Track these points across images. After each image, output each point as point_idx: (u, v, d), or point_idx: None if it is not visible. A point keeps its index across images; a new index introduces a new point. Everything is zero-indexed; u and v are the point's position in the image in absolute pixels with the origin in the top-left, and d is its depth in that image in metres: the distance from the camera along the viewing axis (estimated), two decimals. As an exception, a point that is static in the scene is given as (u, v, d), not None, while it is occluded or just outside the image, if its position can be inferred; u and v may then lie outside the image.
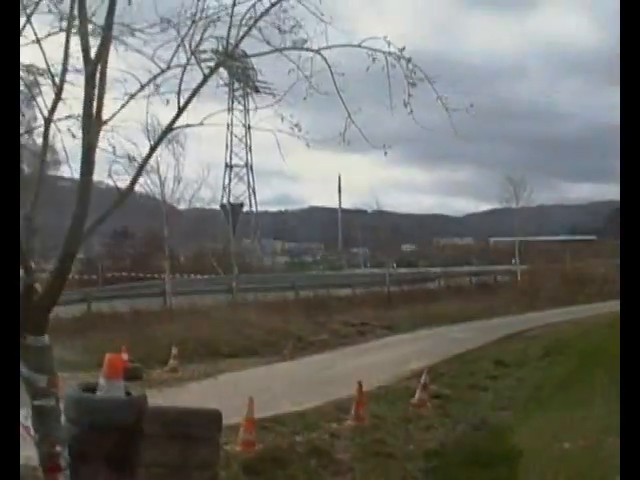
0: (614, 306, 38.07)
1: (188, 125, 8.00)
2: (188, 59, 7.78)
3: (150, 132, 8.48)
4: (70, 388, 7.38)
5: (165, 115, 8.14)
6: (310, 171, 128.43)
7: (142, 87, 7.66)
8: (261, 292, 32.86)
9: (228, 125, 70.87)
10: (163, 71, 7.76)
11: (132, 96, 7.58)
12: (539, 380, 15.80)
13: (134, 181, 7.57)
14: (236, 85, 17.13)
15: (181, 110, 7.61)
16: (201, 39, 7.89)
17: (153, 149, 7.72)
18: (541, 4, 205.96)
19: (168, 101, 7.74)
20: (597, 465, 9.04)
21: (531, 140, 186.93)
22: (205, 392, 14.45)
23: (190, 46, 7.85)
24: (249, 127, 72.28)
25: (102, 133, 7.35)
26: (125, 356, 16.17)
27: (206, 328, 21.81)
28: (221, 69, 8.95)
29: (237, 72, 10.66)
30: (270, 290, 34.17)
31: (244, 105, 71.05)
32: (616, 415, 11.40)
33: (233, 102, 71.85)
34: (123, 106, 7.46)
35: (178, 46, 7.80)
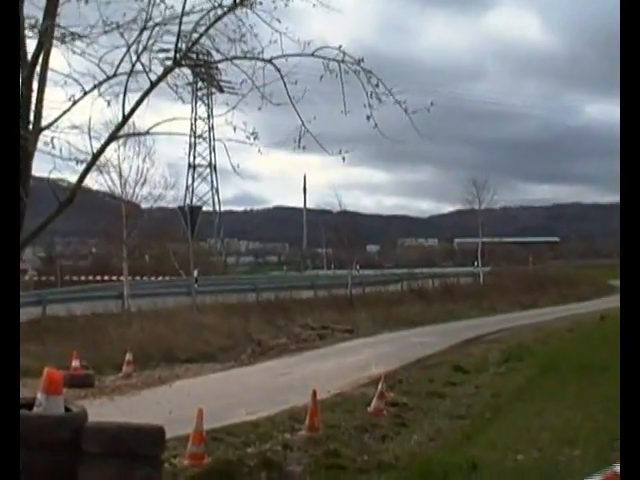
0: (575, 309, 38.75)
1: (134, 134, 7.80)
2: (133, 65, 7.56)
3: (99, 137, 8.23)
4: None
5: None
6: (269, 170, 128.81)
7: (85, 93, 7.42)
8: (222, 294, 32.57)
9: (191, 125, 70.26)
10: (109, 77, 7.53)
11: (75, 102, 7.34)
12: (497, 387, 15.69)
13: (75, 190, 7.32)
14: (200, 85, 16.91)
15: (126, 118, 7.39)
16: (149, 46, 7.67)
17: (96, 157, 7.46)
18: (495, 6, 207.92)
19: (109, 103, 7.52)
20: (548, 477, 8.97)
21: (489, 141, 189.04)
22: (158, 400, 14.16)
23: (137, 52, 7.63)
24: (212, 127, 71.84)
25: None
26: (76, 363, 15.90)
27: (163, 332, 21.52)
28: (183, 70, 8.75)
29: (200, 72, 10.45)
30: (231, 292, 33.90)
31: (208, 105, 70.77)
32: (572, 425, 11.40)
33: (197, 102, 71.56)
34: (65, 112, 7.22)
35: (126, 52, 7.58)
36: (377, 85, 8.32)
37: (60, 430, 6.83)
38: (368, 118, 8.47)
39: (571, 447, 10.20)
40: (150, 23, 7.58)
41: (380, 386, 13.40)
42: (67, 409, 7.23)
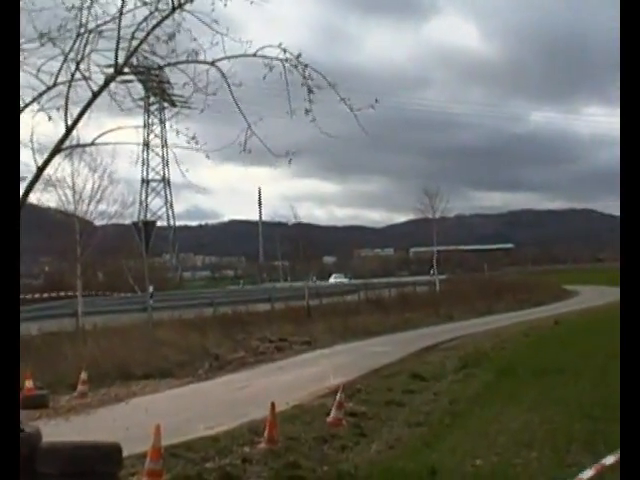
0: (530, 314, 39.18)
1: (78, 145, 7.71)
2: (72, 74, 7.44)
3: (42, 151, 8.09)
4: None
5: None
6: (220, 184, 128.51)
7: (26, 105, 7.30)
8: (179, 309, 32.36)
9: (144, 140, 69.47)
10: (49, 88, 7.43)
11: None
12: (455, 394, 15.75)
13: (21, 204, 7.20)
14: (152, 99, 16.80)
15: (70, 129, 7.28)
16: (87, 54, 7.56)
17: (41, 170, 7.35)
18: (434, 15, 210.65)
19: (50, 117, 7.41)
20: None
21: (439, 150, 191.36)
22: (115, 418, 13.99)
23: (77, 61, 7.53)
24: (166, 142, 71.35)
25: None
26: (30, 383, 15.63)
27: (119, 349, 21.25)
28: (136, 83, 8.68)
29: (152, 86, 10.39)
30: (188, 307, 33.70)
31: (160, 119, 70.46)
32: (529, 428, 11.49)
33: (149, 116, 71.15)
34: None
35: (63, 62, 7.46)
36: (311, 78, 8.33)
37: (13, 451, 6.71)
38: (307, 112, 8.50)
39: (528, 450, 10.28)
40: (85, 30, 7.48)
41: (338, 396, 13.38)
42: (20, 430, 7.10)
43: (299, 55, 8.33)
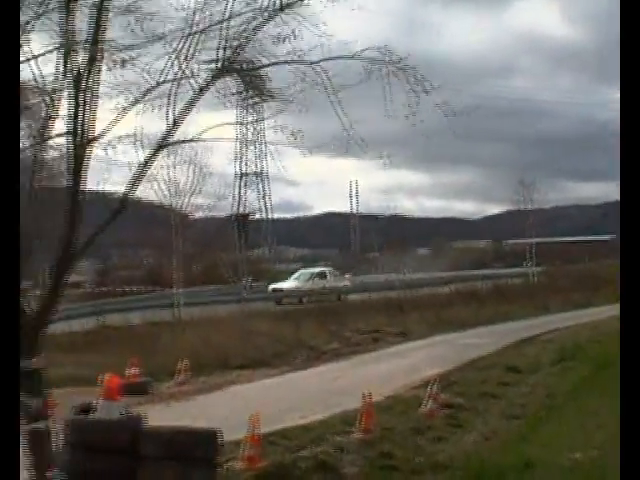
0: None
1: (182, 141, 7.89)
2: (183, 72, 7.61)
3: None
4: (70, 410, 7.31)
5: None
6: (308, 176, 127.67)
7: (135, 102, 7.54)
8: (273, 301, 32.76)
9: (240, 133, 70.05)
10: (158, 83, 7.63)
11: (122, 112, 7.46)
12: (552, 387, 15.55)
13: (125, 199, 7.45)
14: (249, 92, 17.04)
15: (174, 125, 7.48)
16: (193, 53, 7.74)
17: (145, 165, 7.57)
18: (513, 1, 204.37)
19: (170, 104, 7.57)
20: (608, 476, 8.85)
21: (527, 139, 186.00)
22: (213, 405, 14.36)
23: (183, 60, 7.70)
24: (263, 137, 71.84)
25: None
26: (135, 370, 16.13)
27: (216, 339, 21.69)
28: (228, 79, 8.86)
29: (249, 80, 10.58)
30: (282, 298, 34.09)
31: (257, 112, 71.04)
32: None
33: (247, 110, 71.84)
34: (113, 123, 7.34)
35: (172, 61, 7.63)
36: (417, 84, 8.30)
37: (118, 434, 6.98)
38: (407, 117, 8.49)
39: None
40: (193, 30, 7.66)
41: (433, 388, 13.39)
42: (125, 413, 7.38)
43: (405, 58, 8.32)
